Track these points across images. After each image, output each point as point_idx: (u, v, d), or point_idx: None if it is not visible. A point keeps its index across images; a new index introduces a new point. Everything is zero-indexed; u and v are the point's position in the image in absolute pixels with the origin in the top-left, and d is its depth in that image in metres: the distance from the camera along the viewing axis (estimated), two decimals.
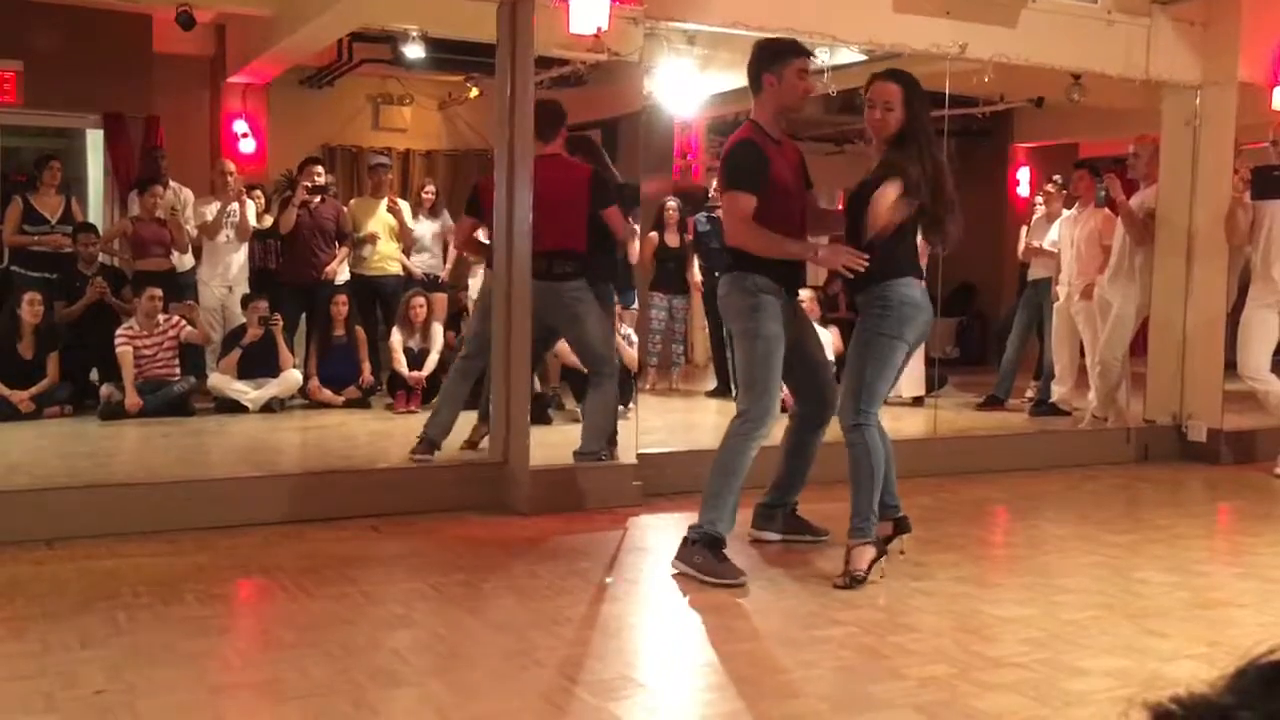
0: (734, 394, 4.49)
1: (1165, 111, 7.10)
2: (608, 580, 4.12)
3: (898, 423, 7.68)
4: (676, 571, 4.13)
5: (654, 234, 8.84)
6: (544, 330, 5.56)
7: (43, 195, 7.96)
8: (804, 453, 4.56)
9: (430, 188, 9.10)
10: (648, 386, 8.58)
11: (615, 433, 5.57)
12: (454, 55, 9.08)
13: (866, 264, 3.99)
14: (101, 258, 8.05)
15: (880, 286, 4.11)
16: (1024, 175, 12.08)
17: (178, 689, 2.96)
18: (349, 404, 7.78)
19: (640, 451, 5.51)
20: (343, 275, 8.30)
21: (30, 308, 7.24)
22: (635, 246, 7.28)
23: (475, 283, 7.47)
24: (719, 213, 6.23)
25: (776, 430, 4.38)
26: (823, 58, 6.79)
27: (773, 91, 4.23)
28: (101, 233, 8.27)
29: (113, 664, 3.11)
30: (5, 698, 2.87)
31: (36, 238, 7.86)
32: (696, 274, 8.82)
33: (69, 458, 6.11)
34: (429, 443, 5.66)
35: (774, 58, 4.23)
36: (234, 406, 7.46)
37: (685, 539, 4.15)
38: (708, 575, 4.02)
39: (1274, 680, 0.70)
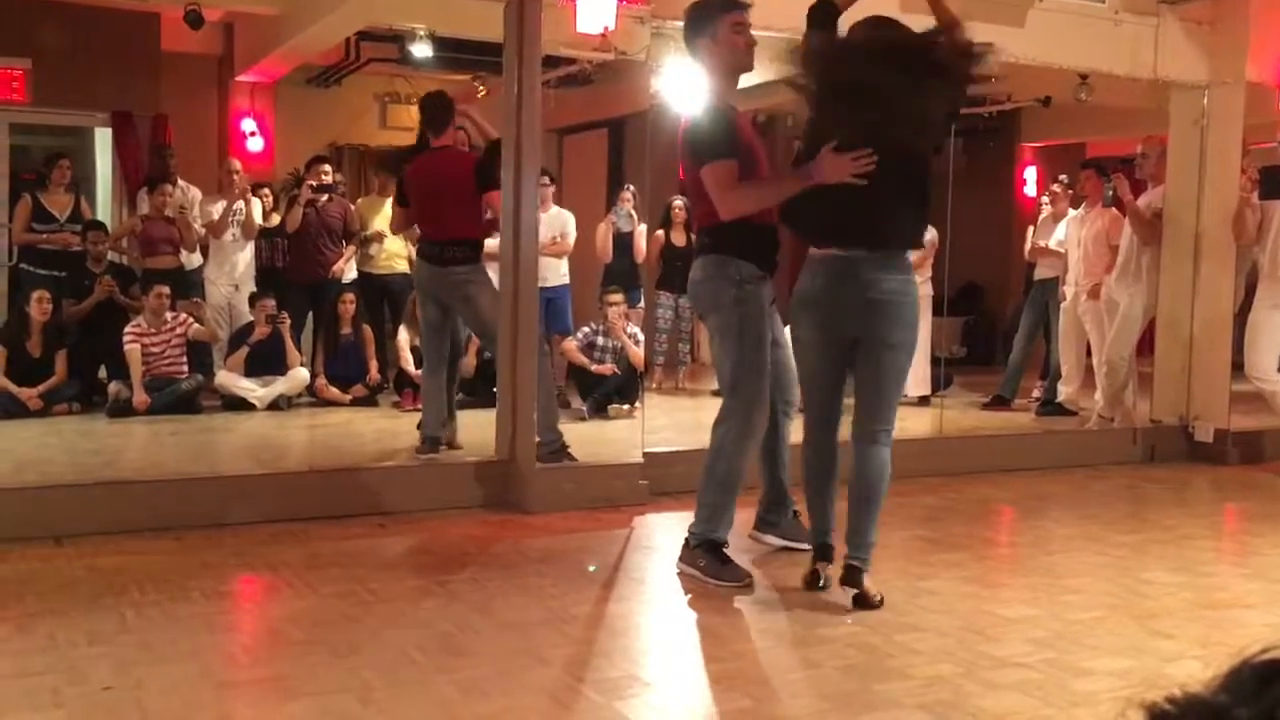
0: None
1: (1173, 111, 7.09)
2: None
3: (903, 422, 7.67)
4: (681, 572, 4.13)
5: (660, 233, 8.84)
6: (440, 310, 5.85)
7: (52, 193, 8.00)
8: (779, 449, 4.37)
9: None
10: (654, 385, 8.59)
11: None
12: (461, 54, 9.08)
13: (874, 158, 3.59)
14: (110, 256, 8.08)
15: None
16: (1031, 175, 12.08)
17: (185, 686, 2.97)
18: (356, 402, 7.79)
19: (647, 450, 5.52)
20: (350, 273, 8.32)
21: (39, 305, 7.27)
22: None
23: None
24: None
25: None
26: None
27: (712, 54, 3.97)
28: (110, 231, 8.30)
29: (120, 661, 3.12)
30: (13, 694, 2.88)
31: (45, 236, 7.89)
32: None
33: (77, 455, 6.13)
34: (430, 441, 5.70)
35: (704, 19, 3.97)
36: (241, 404, 7.48)
37: (686, 541, 4.14)
38: (712, 578, 3.99)
39: (1269, 678, 0.70)
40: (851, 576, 3.76)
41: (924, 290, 8.45)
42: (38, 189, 8.07)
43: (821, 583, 3.89)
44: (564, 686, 3.05)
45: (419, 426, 5.92)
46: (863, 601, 3.73)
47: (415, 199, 5.81)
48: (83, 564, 4.12)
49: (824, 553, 3.93)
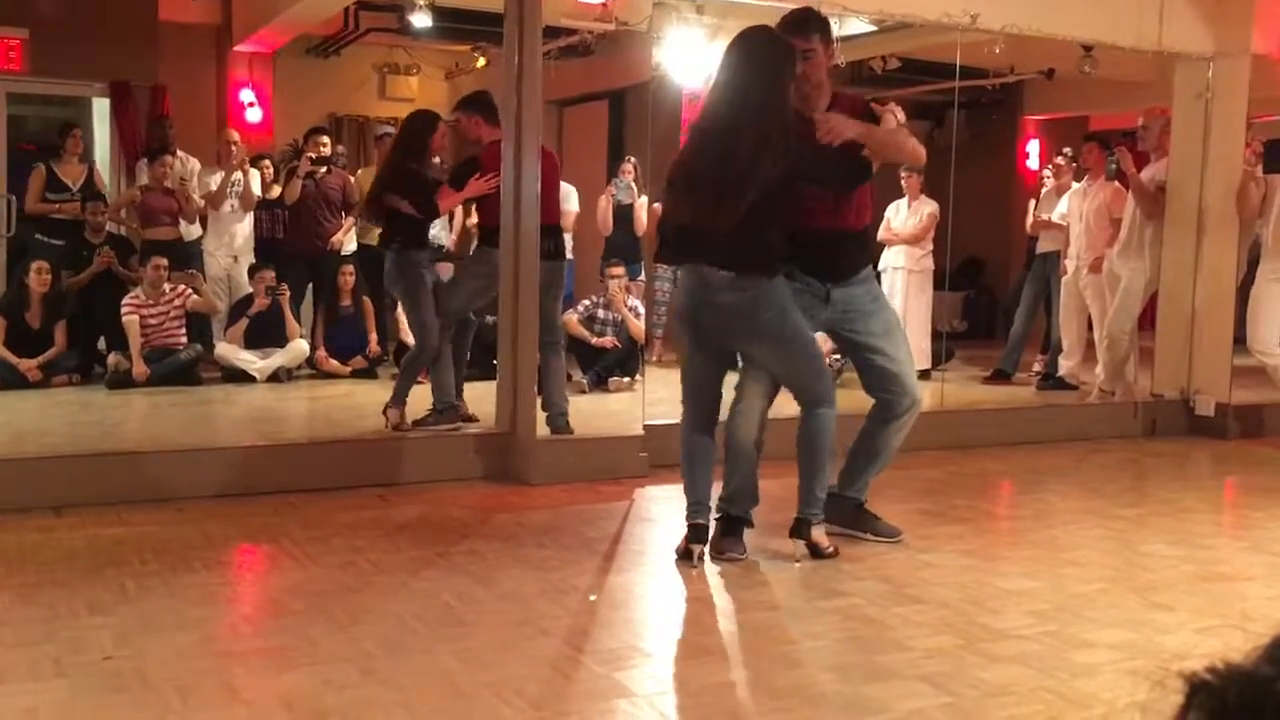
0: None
1: (1177, 83, 7.05)
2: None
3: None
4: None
5: (658, 206, 8.79)
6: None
7: (65, 163, 8.00)
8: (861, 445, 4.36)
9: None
10: (654, 358, 8.58)
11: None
12: (461, 24, 9.04)
13: None
14: (109, 226, 8.05)
15: None
16: (1033, 148, 12.03)
17: (186, 655, 2.98)
18: (355, 374, 7.79)
19: (647, 423, 5.52)
20: (349, 245, 8.29)
21: (38, 276, 7.24)
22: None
23: None
24: None
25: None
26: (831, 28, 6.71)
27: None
28: (109, 202, 8.28)
29: (121, 630, 3.13)
30: (15, 663, 2.88)
31: (58, 206, 7.88)
32: None
33: (76, 426, 6.12)
34: (452, 410, 5.66)
35: None
36: (241, 376, 7.48)
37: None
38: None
39: None
40: (797, 528, 4.01)
41: (924, 264, 8.44)
42: (51, 159, 8.05)
43: (694, 561, 3.93)
44: (564, 657, 3.05)
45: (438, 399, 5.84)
46: (816, 551, 3.98)
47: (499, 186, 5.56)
48: (83, 534, 4.12)
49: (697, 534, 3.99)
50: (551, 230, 5.58)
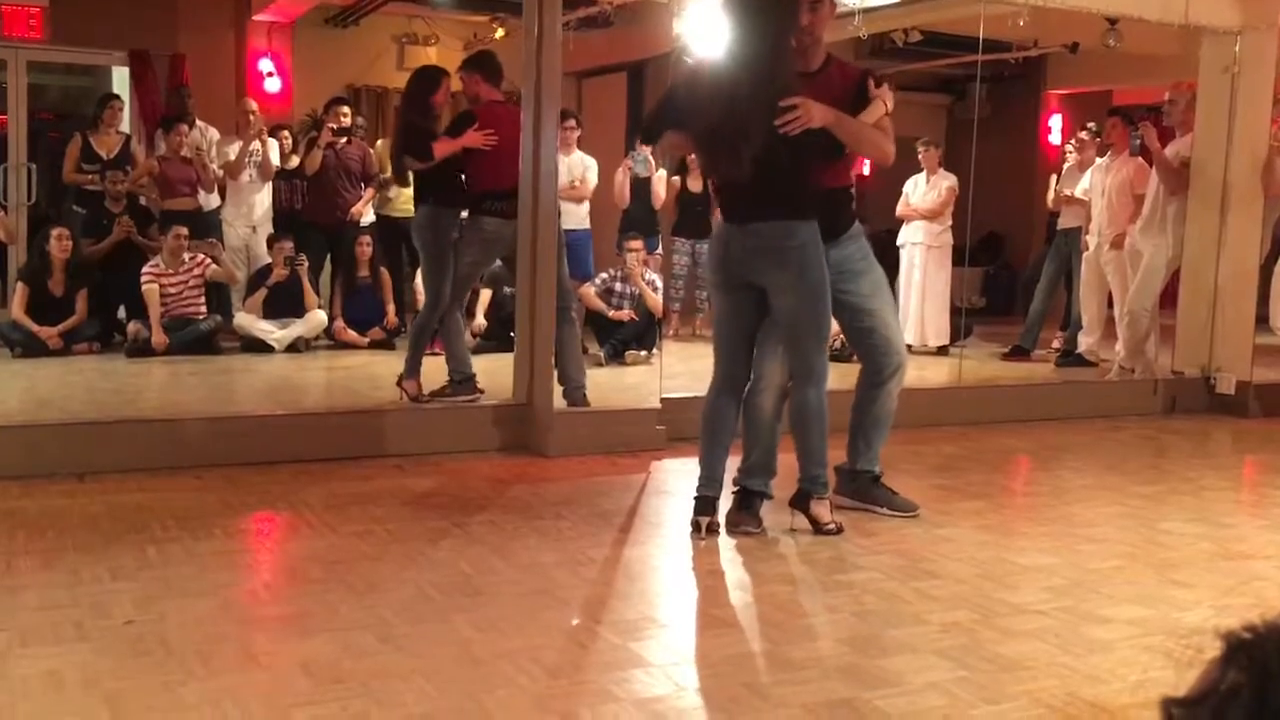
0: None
1: (1203, 58, 6.96)
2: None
3: (922, 371, 7.67)
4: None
5: (676, 179, 8.76)
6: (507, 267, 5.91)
7: (102, 134, 8.03)
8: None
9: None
10: (671, 332, 8.57)
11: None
12: None
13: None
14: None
15: None
16: (1056, 122, 11.91)
17: (207, 621, 3.00)
18: (373, 345, 7.81)
19: (664, 396, 5.52)
20: (368, 216, 8.30)
21: (59, 244, 7.28)
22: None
23: None
24: None
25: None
26: (853, 0, 6.67)
27: None
28: (129, 172, 8.30)
29: (143, 595, 3.16)
30: (38, 626, 2.91)
31: (91, 176, 7.92)
32: None
33: (97, 393, 6.16)
34: (469, 382, 5.66)
35: None
36: (260, 346, 7.51)
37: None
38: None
39: None
40: (795, 500, 4.03)
41: (943, 239, 8.39)
42: (89, 129, 8.08)
43: (702, 533, 3.94)
44: (580, 627, 3.07)
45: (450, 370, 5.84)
46: (814, 524, 3.98)
47: (491, 148, 5.56)
48: (104, 500, 4.16)
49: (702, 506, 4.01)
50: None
